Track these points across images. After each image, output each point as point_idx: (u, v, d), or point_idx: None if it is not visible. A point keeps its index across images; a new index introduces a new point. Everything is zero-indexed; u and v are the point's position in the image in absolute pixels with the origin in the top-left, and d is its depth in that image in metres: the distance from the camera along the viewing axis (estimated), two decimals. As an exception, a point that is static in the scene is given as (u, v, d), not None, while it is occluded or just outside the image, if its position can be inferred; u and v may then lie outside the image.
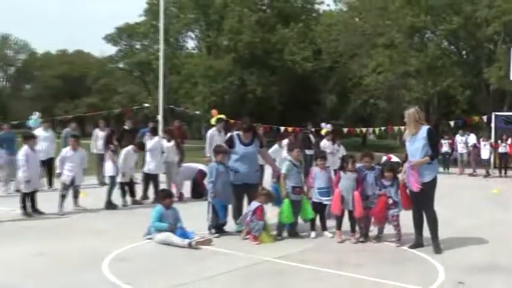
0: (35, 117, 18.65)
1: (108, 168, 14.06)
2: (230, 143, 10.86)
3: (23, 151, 12.66)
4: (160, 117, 23.10)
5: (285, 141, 16.63)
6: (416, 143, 9.34)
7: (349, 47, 41.14)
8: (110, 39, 67.09)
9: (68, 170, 13.13)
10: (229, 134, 11.51)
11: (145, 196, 14.60)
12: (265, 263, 8.60)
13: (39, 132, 16.65)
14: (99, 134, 18.06)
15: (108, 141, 15.58)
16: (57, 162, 13.57)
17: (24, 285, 7.44)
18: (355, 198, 9.86)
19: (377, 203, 9.81)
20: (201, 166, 15.40)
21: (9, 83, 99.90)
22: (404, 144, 9.89)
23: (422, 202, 9.41)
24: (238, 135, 10.82)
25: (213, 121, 15.99)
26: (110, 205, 13.54)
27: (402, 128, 16.59)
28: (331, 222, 10.39)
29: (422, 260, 8.83)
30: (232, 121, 21.88)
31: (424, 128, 9.34)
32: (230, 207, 10.69)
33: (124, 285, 7.31)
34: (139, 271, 8.07)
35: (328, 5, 52.20)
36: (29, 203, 12.58)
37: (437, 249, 9.24)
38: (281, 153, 15.75)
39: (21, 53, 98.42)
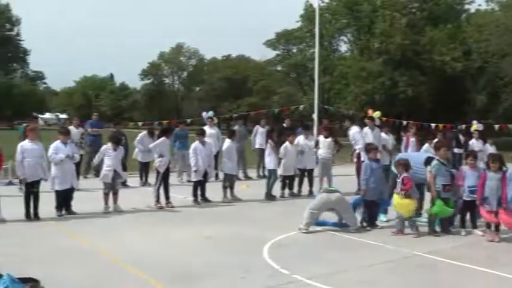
0: (210, 114, 19.48)
1: (269, 162, 14.31)
2: None
3: (194, 145, 13.30)
4: (315, 116, 23.20)
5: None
6: None
7: (501, 47, 38.70)
8: (270, 44, 68.61)
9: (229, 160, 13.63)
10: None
11: (300, 190, 14.72)
12: (415, 256, 8.38)
13: (205, 128, 17.39)
14: (260, 131, 18.47)
15: (269, 137, 15.85)
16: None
17: (193, 261, 7.89)
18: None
19: None
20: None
21: (182, 85, 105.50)
22: None
23: None
24: None
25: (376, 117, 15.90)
26: (269, 196, 13.83)
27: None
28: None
29: None
30: (384, 119, 21.44)
31: None
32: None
33: (282, 270, 7.48)
34: (295, 257, 8.21)
35: (479, 5, 49.31)
36: (199, 192, 13.19)
37: None
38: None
39: (192, 59, 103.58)
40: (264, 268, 7.62)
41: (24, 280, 6.08)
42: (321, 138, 14.94)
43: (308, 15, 53.11)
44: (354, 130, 15.20)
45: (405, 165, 10.02)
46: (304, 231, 9.90)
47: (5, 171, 14.71)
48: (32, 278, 6.28)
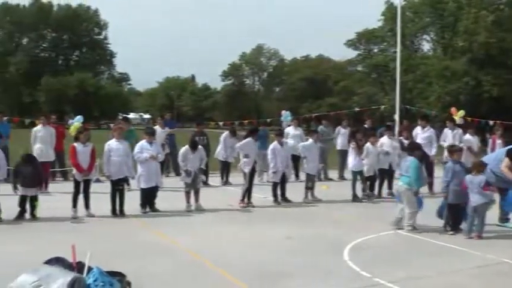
0: (287, 114, 19.53)
1: (352, 163, 14.11)
2: None
3: (272, 146, 13.33)
4: (396, 117, 22.72)
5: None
6: None
7: None
8: (350, 44, 68.01)
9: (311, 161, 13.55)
10: None
11: (380, 191, 14.45)
12: (502, 264, 8.02)
13: (289, 130, 17.43)
14: (342, 132, 18.28)
15: (352, 137, 15.63)
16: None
17: (274, 261, 7.86)
18: None
19: None
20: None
21: (262, 86, 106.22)
22: None
23: None
24: None
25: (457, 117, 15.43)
26: (355, 198, 13.66)
27: None
28: None
29: None
30: (469, 119, 20.71)
31: None
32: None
33: (362, 272, 7.37)
34: (377, 260, 8.07)
35: None
36: (279, 191, 13.21)
37: None
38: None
39: (273, 59, 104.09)
40: (345, 270, 7.54)
41: (112, 274, 6.29)
42: (403, 140, 14.66)
43: (389, 14, 52.26)
44: (429, 131, 14.83)
45: (479, 166, 9.72)
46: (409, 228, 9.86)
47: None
48: (119, 272, 6.49)
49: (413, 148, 10.83)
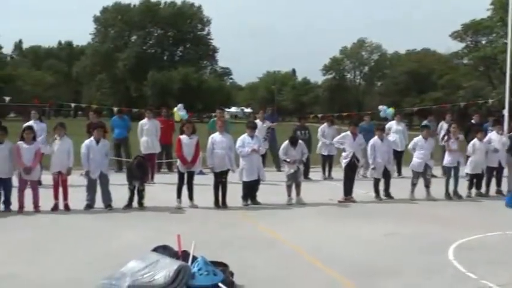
0: (389, 110, 19.17)
1: (446, 158, 13.57)
2: None
3: (372, 141, 13.03)
4: (506, 112, 21.65)
5: None
6: None
7: None
8: (456, 36, 65.50)
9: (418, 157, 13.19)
10: None
11: (488, 190, 13.83)
12: None
13: (391, 124, 17.09)
14: (444, 127, 17.70)
15: (447, 132, 15.04)
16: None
17: (376, 258, 7.74)
18: None
19: None
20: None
21: (363, 80, 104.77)
22: None
23: None
24: None
25: None
26: (455, 195, 13.18)
27: None
28: None
29: None
30: None
31: None
32: None
33: (468, 273, 7.11)
34: (483, 261, 7.73)
35: None
36: (381, 187, 12.99)
37: None
38: None
39: (374, 53, 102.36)
40: (450, 270, 7.29)
41: (216, 263, 6.45)
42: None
43: (499, 2, 49.78)
44: None
45: None
46: None
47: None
48: (222, 262, 6.64)
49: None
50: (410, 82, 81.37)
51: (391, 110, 19.31)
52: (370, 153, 12.92)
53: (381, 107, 19.97)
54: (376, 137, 13.11)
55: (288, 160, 12.20)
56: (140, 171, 11.25)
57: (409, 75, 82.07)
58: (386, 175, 13.02)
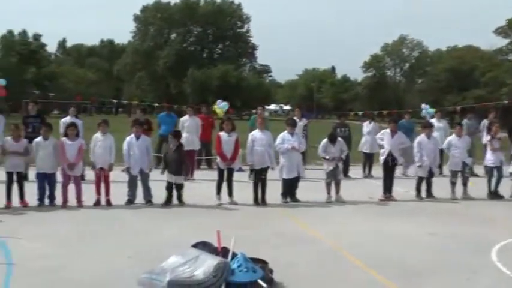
0: (430, 110, 18.91)
1: (488, 157, 13.22)
2: None
3: (419, 139, 12.83)
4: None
5: None
6: None
7: None
8: (500, 32, 64.14)
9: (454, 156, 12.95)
10: None
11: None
12: None
13: (432, 122, 16.81)
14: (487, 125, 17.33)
15: (488, 131, 14.67)
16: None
17: (417, 257, 7.63)
18: None
19: None
20: None
21: (403, 78, 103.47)
22: None
23: None
24: None
25: None
26: (494, 195, 12.90)
27: None
28: None
29: None
30: None
31: None
32: None
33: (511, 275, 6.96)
34: (529, 263, 7.55)
35: None
36: (423, 186, 12.78)
37: None
38: None
39: (415, 50, 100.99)
40: (492, 271, 7.16)
41: (255, 260, 6.46)
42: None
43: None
44: None
45: None
46: None
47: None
48: (262, 259, 6.65)
49: None
50: (451, 79, 80.00)
51: (431, 110, 19.02)
52: (417, 151, 12.69)
53: (423, 106, 19.68)
54: (423, 135, 12.88)
55: (326, 157, 12.15)
56: (177, 165, 11.28)
57: (450, 73, 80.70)
58: (430, 174, 12.79)
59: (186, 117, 16.36)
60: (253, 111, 18.35)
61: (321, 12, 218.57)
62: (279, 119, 42.45)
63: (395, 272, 7.02)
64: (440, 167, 16.30)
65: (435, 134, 16.10)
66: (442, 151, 16.14)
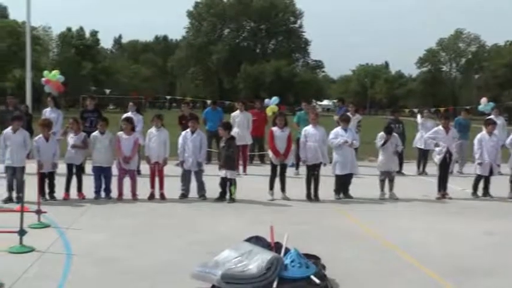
0: (486, 104, 18.45)
1: None
2: None
3: (479, 136, 12.39)
4: None
5: None
6: None
7: None
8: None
9: None
10: None
11: None
12: None
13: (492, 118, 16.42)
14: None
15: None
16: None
17: (472, 256, 7.46)
18: None
19: None
20: None
21: (459, 73, 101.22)
22: None
23: None
24: None
25: None
26: None
27: None
28: None
29: None
30: None
31: None
32: None
33: None
34: None
35: None
36: (481, 185, 12.46)
37: None
38: None
39: (472, 45, 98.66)
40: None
41: (308, 256, 6.45)
42: None
43: None
44: None
45: None
46: None
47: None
48: (314, 255, 6.64)
49: None
50: (510, 75, 77.80)
51: (491, 104, 18.51)
52: (477, 148, 12.34)
53: (483, 100, 19.07)
54: (483, 132, 12.50)
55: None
56: (229, 160, 11.27)
57: (509, 68, 78.47)
58: (490, 173, 12.35)
59: (236, 113, 16.44)
60: (299, 107, 18.22)
61: (373, 6, 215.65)
62: (332, 115, 42.14)
63: (450, 270, 6.88)
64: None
65: (498, 131, 15.73)
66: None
